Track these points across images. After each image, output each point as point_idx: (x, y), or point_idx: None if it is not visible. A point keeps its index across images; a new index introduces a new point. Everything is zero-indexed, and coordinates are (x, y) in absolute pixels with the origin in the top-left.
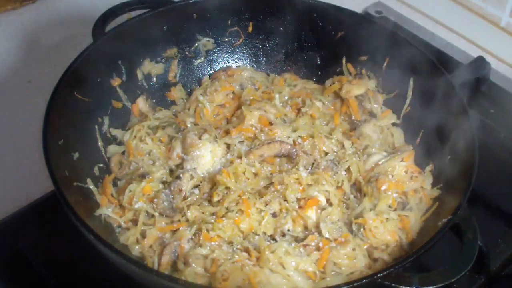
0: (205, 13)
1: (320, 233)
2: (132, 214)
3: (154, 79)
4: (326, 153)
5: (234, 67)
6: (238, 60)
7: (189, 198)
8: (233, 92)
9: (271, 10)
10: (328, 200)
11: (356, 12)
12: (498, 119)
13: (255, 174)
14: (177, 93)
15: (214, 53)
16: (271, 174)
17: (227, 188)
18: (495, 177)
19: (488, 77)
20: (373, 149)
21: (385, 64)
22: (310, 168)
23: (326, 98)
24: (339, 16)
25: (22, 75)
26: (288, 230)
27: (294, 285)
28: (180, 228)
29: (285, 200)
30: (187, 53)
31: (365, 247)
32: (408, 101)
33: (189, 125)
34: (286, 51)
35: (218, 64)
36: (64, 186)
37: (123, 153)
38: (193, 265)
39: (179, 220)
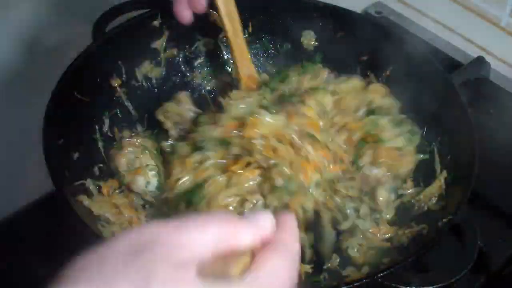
0: (205, 13)
1: None
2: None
3: (154, 79)
4: None
5: None
6: None
7: None
8: None
9: (271, 10)
10: None
11: (356, 12)
12: (498, 119)
13: None
14: None
15: (214, 53)
16: None
17: None
18: (495, 177)
19: (488, 77)
20: None
21: (384, 64)
22: None
23: None
24: (339, 16)
25: (22, 75)
26: None
27: None
28: None
29: None
30: (187, 53)
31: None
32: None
33: None
34: (285, 51)
35: (219, 64)
36: (64, 186)
37: None
38: None
39: None
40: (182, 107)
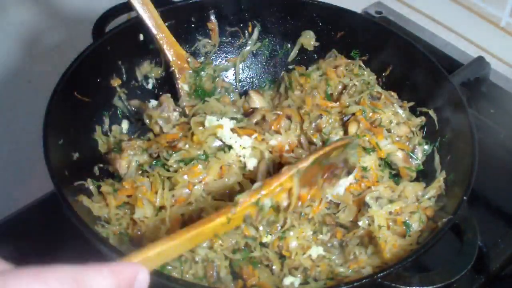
0: (205, 13)
1: None
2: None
3: (154, 80)
4: None
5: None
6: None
7: None
8: None
9: (271, 10)
10: None
11: (356, 12)
12: (498, 119)
13: None
14: None
15: (214, 53)
16: None
17: None
18: (495, 177)
19: (488, 77)
20: None
21: (384, 64)
22: None
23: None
24: (339, 16)
25: (22, 75)
26: None
27: None
28: None
29: None
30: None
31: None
32: (407, 102)
33: None
34: (285, 51)
35: (219, 64)
36: (64, 186)
37: None
38: None
39: None
40: (165, 110)
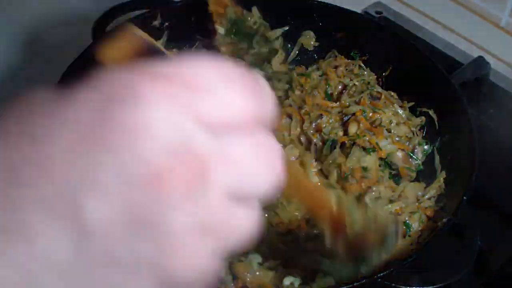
0: (205, 13)
1: None
2: None
3: None
4: None
5: None
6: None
7: None
8: None
9: (271, 10)
10: None
11: (356, 12)
12: (498, 119)
13: None
14: None
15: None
16: None
17: None
18: (495, 177)
19: (488, 77)
20: None
21: (384, 64)
22: None
23: None
24: (339, 16)
25: (22, 75)
26: None
27: None
28: None
29: None
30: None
31: None
32: (407, 102)
33: None
34: (285, 52)
35: None
36: None
37: None
38: None
39: None
40: None
